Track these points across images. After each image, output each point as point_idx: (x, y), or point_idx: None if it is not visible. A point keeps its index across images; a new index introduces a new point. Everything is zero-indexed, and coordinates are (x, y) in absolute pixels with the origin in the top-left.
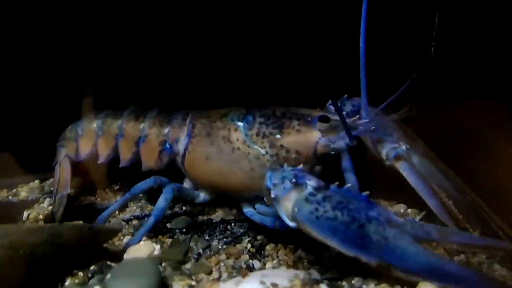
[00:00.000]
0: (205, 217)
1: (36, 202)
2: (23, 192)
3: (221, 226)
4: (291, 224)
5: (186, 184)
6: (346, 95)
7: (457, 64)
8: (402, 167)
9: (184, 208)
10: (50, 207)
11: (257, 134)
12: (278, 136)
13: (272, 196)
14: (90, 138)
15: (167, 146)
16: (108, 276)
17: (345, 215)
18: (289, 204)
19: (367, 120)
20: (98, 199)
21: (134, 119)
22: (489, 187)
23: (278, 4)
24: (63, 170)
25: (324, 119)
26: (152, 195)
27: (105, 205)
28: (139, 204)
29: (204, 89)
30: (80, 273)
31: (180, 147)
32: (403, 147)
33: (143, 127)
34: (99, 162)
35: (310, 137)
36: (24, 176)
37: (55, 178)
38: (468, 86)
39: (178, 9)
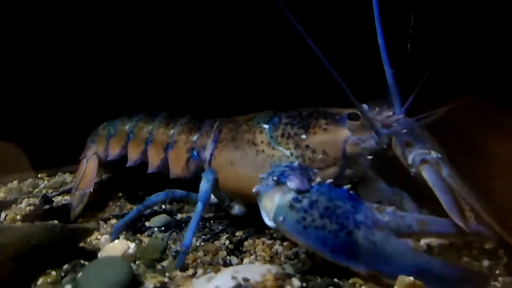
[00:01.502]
0: (184, 215)
1: (14, 203)
2: (1, 193)
3: (199, 223)
4: (270, 223)
5: None
6: (386, 105)
7: (444, 63)
8: (425, 170)
9: (163, 206)
10: (28, 208)
11: (282, 135)
12: (303, 136)
13: (254, 190)
14: (121, 140)
15: (195, 153)
16: (80, 274)
17: (334, 222)
18: (270, 205)
19: (402, 116)
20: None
21: (165, 125)
22: (477, 184)
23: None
24: (89, 167)
25: (353, 117)
26: (131, 194)
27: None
28: (118, 203)
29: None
30: (53, 272)
31: (207, 153)
32: (434, 155)
33: (172, 133)
34: (127, 165)
35: (337, 136)
36: (1, 176)
37: (79, 172)
38: (455, 84)
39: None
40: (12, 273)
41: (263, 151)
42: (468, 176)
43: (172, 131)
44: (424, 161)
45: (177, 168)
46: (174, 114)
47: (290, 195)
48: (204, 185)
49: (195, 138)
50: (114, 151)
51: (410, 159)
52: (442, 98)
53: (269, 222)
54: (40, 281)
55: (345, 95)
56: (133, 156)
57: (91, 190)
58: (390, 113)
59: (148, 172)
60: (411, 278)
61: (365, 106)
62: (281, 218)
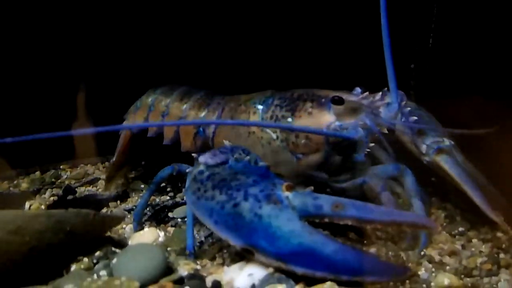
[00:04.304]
0: None
1: (38, 193)
2: (24, 184)
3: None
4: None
5: None
6: (386, 88)
7: (452, 61)
8: (444, 160)
9: (185, 198)
10: (52, 198)
11: (271, 117)
12: (289, 120)
13: (187, 171)
14: (144, 112)
15: (201, 129)
16: (114, 261)
17: (223, 194)
18: (187, 182)
19: (394, 104)
20: (99, 190)
21: (180, 99)
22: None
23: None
24: (120, 140)
25: (337, 101)
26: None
27: (106, 195)
28: (141, 194)
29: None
30: (85, 259)
31: (210, 130)
32: (447, 142)
33: (185, 108)
34: (147, 135)
35: (321, 121)
36: (25, 167)
37: None
38: (463, 82)
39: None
40: (45, 259)
41: (253, 132)
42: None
43: (185, 106)
44: (440, 150)
45: (186, 142)
46: (191, 89)
47: (198, 169)
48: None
49: (203, 114)
50: (138, 123)
51: (423, 148)
52: (448, 95)
53: None
54: (73, 267)
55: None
56: (152, 127)
57: (114, 159)
58: (377, 97)
59: (163, 143)
60: None
61: (358, 89)
62: (184, 190)
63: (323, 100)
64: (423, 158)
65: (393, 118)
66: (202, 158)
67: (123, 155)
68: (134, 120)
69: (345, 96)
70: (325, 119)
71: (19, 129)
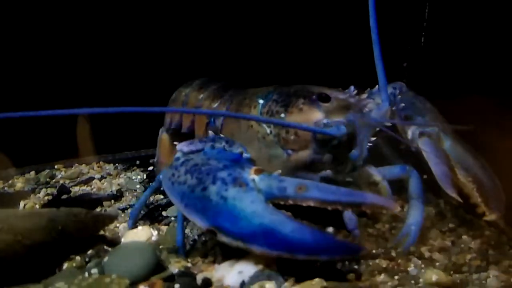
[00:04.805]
0: None
1: (32, 193)
2: (19, 183)
3: None
4: None
5: None
6: (377, 86)
7: (445, 60)
8: (423, 142)
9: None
10: (46, 198)
11: (267, 112)
12: (282, 115)
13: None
14: (172, 107)
15: (212, 120)
16: (105, 259)
17: (194, 178)
18: None
19: (387, 107)
20: (94, 189)
21: (198, 89)
22: None
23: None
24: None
25: (323, 98)
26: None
27: (101, 195)
28: (135, 193)
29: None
30: (78, 258)
31: (219, 122)
32: (435, 128)
33: (201, 98)
34: (171, 127)
35: (308, 118)
36: (19, 167)
37: None
38: (455, 81)
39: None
40: (38, 258)
41: (252, 126)
42: None
43: (201, 95)
44: (423, 134)
45: (199, 132)
46: (210, 80)
47: (175, 156)
48: None
49: (215, 105)
50: (167, 118)
51: (410, 134)
52: (441, 94)
53: None
54: (65, 266)
55: None
56: (175, 118)
57: (155, 159)
58: (364, 96)
59: (181, 132)
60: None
61: (351, 88)
62: (161, 177)
63: (313, 97)
64: (411, 146)
65: (383, 117)
66: (179, 146)
67: (169, 155)
68: (168, 117)
69: (333, 94)
70: (314, 116)
71: (20, 130)
